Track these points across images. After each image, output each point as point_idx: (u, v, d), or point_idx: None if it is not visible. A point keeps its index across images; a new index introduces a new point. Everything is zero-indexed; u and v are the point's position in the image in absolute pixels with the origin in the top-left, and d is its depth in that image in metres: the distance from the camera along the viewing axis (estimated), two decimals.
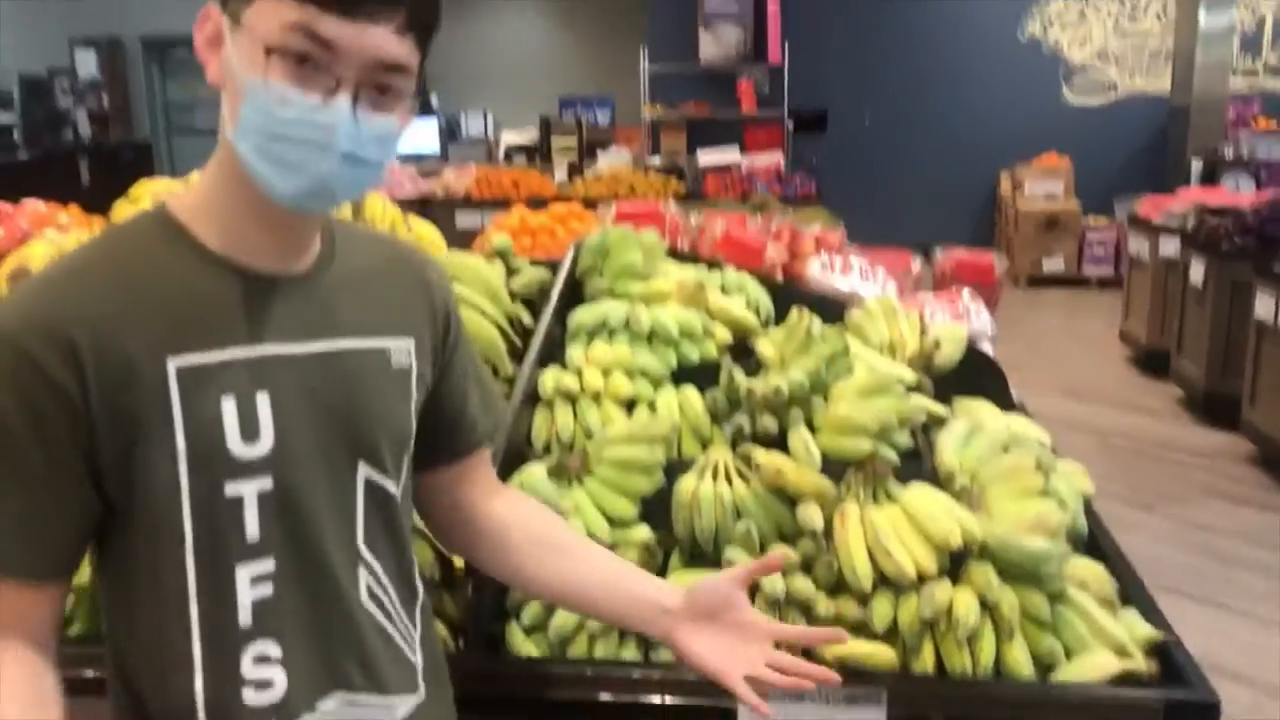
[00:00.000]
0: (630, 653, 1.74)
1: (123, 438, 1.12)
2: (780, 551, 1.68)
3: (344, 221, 1.37)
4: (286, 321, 1.20)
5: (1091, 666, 1.62)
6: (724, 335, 2.42)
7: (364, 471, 1.26)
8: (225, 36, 1.12)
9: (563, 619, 1.75)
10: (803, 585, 1.71)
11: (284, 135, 1.10)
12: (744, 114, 11.21)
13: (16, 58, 13.49)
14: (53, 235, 3.10)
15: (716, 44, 11.38)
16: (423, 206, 8.06)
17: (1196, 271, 6.44)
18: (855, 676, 1.58)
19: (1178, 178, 9.68)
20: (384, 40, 1.10)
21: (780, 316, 2.46)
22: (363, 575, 1.26)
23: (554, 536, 1.49)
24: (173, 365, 1.12)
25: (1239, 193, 8.21)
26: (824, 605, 1.70)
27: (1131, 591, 1.80)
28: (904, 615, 1.66)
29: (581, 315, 2.38)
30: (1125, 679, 1.62)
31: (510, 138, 11.27)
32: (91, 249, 1.18)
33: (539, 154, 10.75)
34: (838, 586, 1.74)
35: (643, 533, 1.89)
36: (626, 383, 2.19)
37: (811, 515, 1.76)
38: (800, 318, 2.16)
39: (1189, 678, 1.60)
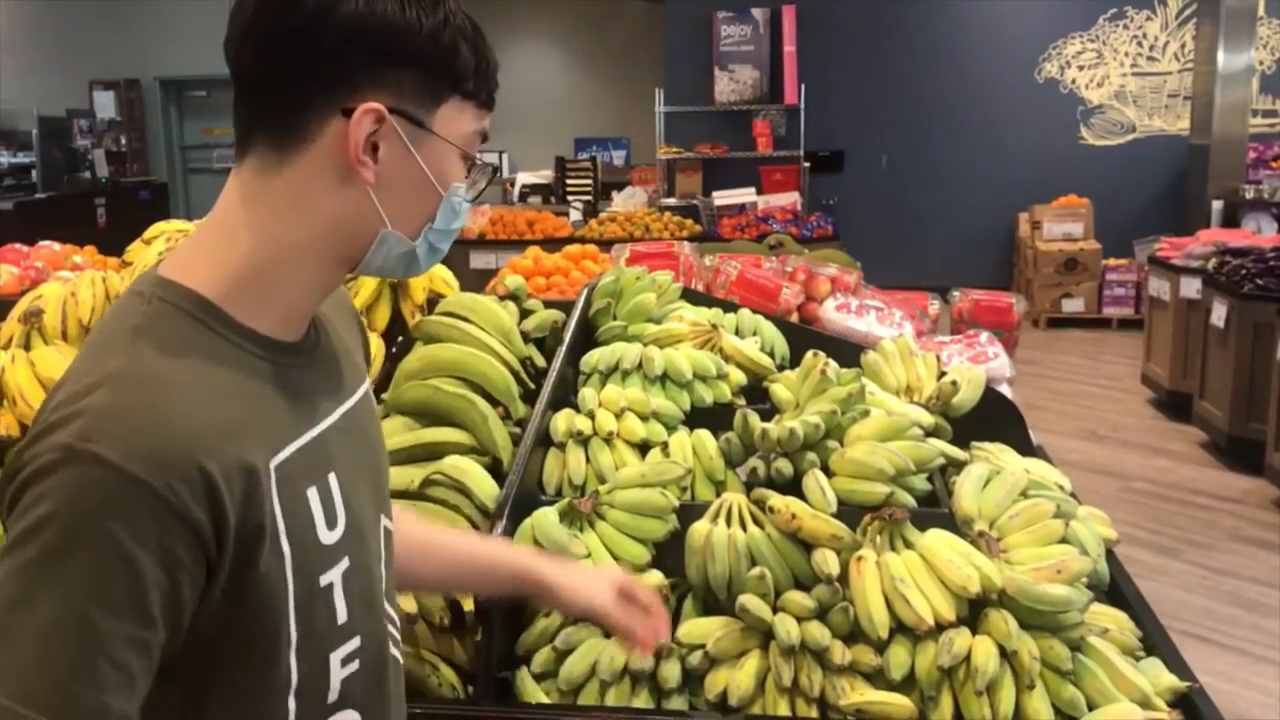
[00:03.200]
0: (642, 700, 1.71)
1: (245, 555, 0.99)
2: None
3: None
4: (321, 389, 1.15)
5: (1114, 717, 1.59)
6: (738, 377, 2.40)
7: (384, 522, 1.24)
8: (397, 138, 1.06)
9: (573, 666, 1.72)
10: (818, 633, 1.68)
11: (456, 230, 1.16)
12: (760, 154, 11.25)
13: (36, 99, 13.66)
14: (66, 276, 3.11)
15: (732, 85, 11.45)
16: None
17: (1218, 313, 6.39)
18: None
19: (1197, 219, 9.66)
20: None
21: (795, 359, 2.44)
22: (389, 626, 1.23)
23: (420, 535, 1.47)
24: (273, 465, 1.03)
25: (1260, 234, 8.17)
26: (839, 653, 1.67)
27: (1155, 640, 1.78)
28: (921, 664, 1.64)
29: (594, 357, 2.37)
30: None
31: (526, 178, 11.33)
32: (140, 358, 0.99)
33: (554, 194, 10.81)
34: (854, 634, 1.71)
35: (655, 577, 1.86)
36: (639, 425, 2.16)
37: (827, 561, 1.73)
38: (815, 360, 2.14)
39: None
